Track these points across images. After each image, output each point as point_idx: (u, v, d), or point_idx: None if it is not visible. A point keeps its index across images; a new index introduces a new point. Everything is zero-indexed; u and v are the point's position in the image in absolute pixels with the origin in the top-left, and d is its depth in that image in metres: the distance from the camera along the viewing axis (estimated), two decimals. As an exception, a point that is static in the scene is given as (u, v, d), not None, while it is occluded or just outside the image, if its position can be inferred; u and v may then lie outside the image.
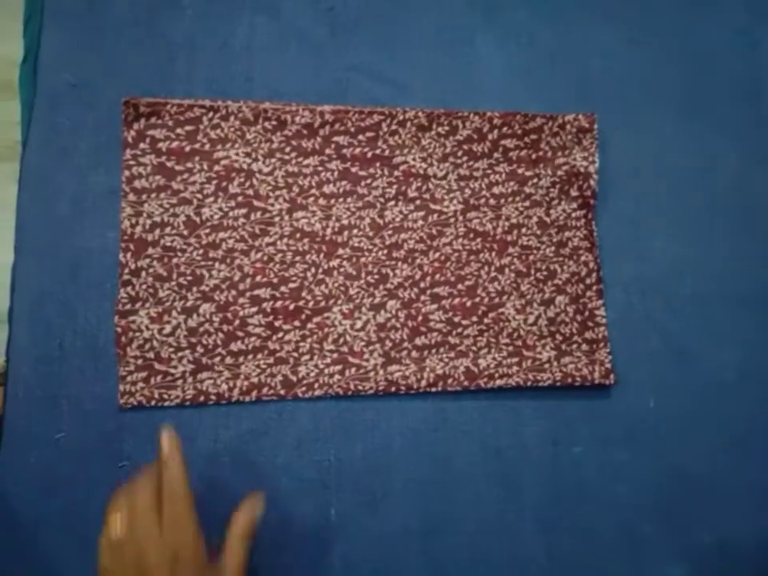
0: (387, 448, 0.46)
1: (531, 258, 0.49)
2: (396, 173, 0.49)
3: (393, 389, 0.46)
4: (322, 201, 0.47)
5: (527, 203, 0.50)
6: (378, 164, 0.48)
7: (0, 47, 1.10)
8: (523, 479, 0.46)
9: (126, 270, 0.44)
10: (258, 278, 0.46)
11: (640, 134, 0.53)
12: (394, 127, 0.49)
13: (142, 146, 0.46)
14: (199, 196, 0.46)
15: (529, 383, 0.47)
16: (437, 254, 0.48)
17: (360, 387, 0.45)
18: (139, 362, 0.44)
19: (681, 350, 0.50)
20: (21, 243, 0.45)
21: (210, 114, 0.46)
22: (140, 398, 0.43)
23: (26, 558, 0.42)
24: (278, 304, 0.46)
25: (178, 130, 0.46)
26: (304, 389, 0.45)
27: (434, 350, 0.47)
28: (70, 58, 0.47)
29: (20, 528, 0.42)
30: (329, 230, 0.47)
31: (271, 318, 0.45)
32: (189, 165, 0.46)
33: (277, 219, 0.47)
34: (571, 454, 0.47)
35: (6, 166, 1.09)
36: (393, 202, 0.48)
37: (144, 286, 0.44)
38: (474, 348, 0.47)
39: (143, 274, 0.44)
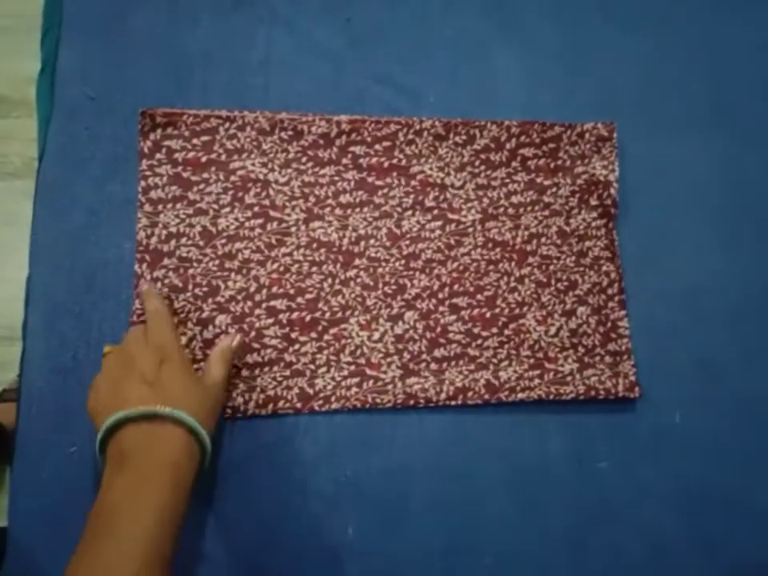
0: (406, 463, 0.44)
1: (551, 268, 0.48)
2: (413, 182, 0.48)
3: (411, 402, 0.45)
4: (338, 211, 0.47)
5: (546, 212, 0.49)
6: (394, 174, 0.48)
7: (14, 64, 1.12)
8: (546, 496, 0.45)
9: (142, 281, 0.44)
10: (275, 289, 0.45)
11: (662, 143, 0.52)
12: (410, 137, 0.48)
13: (158, 156, 0.45)
14: (215, 206, 0.45)
15: (551, 396, 0.46)
16: (455, 264, 0.47)
17: (378, 400, 0.44)
18: (154, 374, 0.43)
19: (707, 363, 0.49)
20: (36, 254, 0.45)
21: (227, 125, 0.46)
22: (154, 411, 0.42)
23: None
24: (295, 315, 0.45)
25: (195, 141, 0.46)
26: (321, 402, 0.44)
27: (453, 362, 0.46)
28: (87, 69, 0.48)
29: (32, 543, 0.41)
30: (345, 240, 0.47)
31: (287, 329, 0.45)
32: (205, 175, 0.46)
33: (293, 229, 0.46)
34: (595, 471, 0.46)
35: (21, 183, 1.11)
36: (410, 212, 0.48)
37: (159, 297, 0.44)
38: (494, 360, 0.46)
39: (159, 284, 0.44)
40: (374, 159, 0.48)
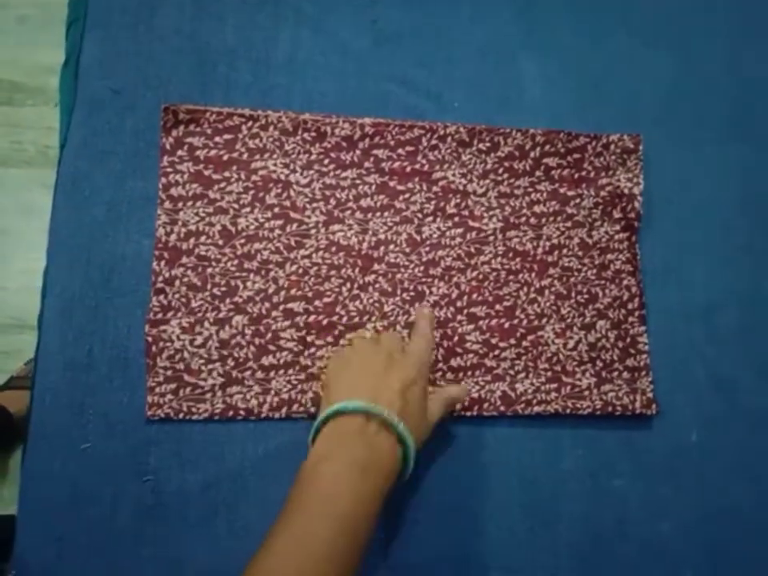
0: (417, 472, 0.44)
1: (572, 280, 0.48)
2: (435, 188, 0.47)
3: (426, 411, 0.44)
4: (358, 214, 0.46)
5: (569, 223, 0.48)
6: (416, 179, 0.47)
7: (31, 53, 1.13)
8: (559, 512, 0.44)
9: (160, 279, 0.43)
10: (293, 291, 0.45)
11: (687, 157, 0.51)
12: (434, 142, 0.48)
13: (179, 153, 0.45)
14: (236, 206, 0.45)
15: (568, 411, 0.45)
16: (474, 273, 0.47)
17: (392, 408, 0.44)
18: (169, 372, 0.42)
19: (725, 381, 0.48)
20: (54, 247, 0.45)
21: (250, 123, 0.46)
22: (168, 411, 0.42)
23: (46, 572, 0.40)
24: (312, 318, 0.44)
25: (217, 139, 0.45)
26: (335, 407, 0.43)
27: (469, 372, 0.45)
28: (111, 63, 0.47)
29: (43, 538, 0.41)
30: (365, 245, 0.46)
31: (304, 332, 0.44)
32: (226, 174, 0.45)
33: (313, 232, 0.46)
34: (611, 488, 0.45)
35: (36, 172, 1.11)
36: (431, 218, 0.47)
37: (177, 296, 0.43)
38: (511, 372, 0.46)
39: (177, 282, 0.43)
40: (397, 163, 0.47)
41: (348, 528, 0.33)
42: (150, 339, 0.43)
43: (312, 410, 0.43)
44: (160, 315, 0.43)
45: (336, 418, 0.36)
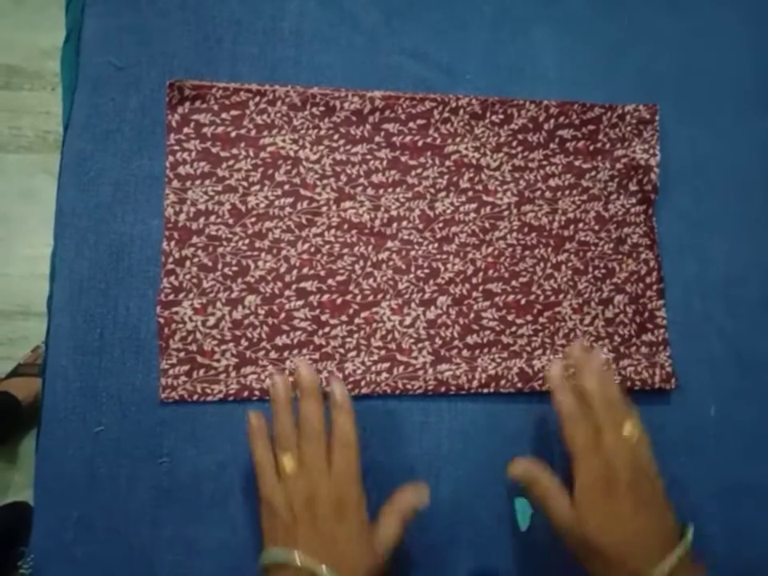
0: (436, 450, 0.43)
1: (589, 254, 0.47)
2: (447, 162, 0.46)
3: (442, 389, 0.44)
4: (370, 191, 0.45)
5: (584, 197, 0.47)
6: (428, 153, 0.46)
7: (29, 37, 1.11)
8: (578, 487, 0.44)
9: (170, 260, 0.43)
10: (305, 270, 0.44)
11: (705, 127, 0.50)
12: (446, 115, 0.46)
13: (186, 130, 0.44)
14: (245, 184, 0.44)
15: (585, 386, 0.44)
16: (490, 249, 0.46)
17: (408, 386, 0.43)
18: (181, 354, 0.42)
19: (744, 355, 0.48)
20: (61, 229, 0.44)
21: (257, 99, 0.45)
22: (182, 393, 0.41)
23: (64, 555, 0.40)
24: (325, 297, 0.44)
25: (224, 115, 0.44)
26: (350, 386, 0.43)
27: (486, 350, 0.45)
28: (113, 38, 0.46)
29: (59, 522, 0.40)
30: (377, 222, 0.45)
31: (317, 311, 0.44)
32: (234, 151, 0.44)
33: (324, 209, 0.45)
34: (630, 463, 0.44)
35: (36, 157, 1.09)
36: (444, 193, 0.46)
37: (188, 276, 0.42)
38: (528, 348, 0.45)
39: (187, 263, 0.43)
40: (408, 137, 0.46)
41: None
42: (161, 321, 0.42)
43: (327, 389, 0.43)
44: (171, 296, 0.42)
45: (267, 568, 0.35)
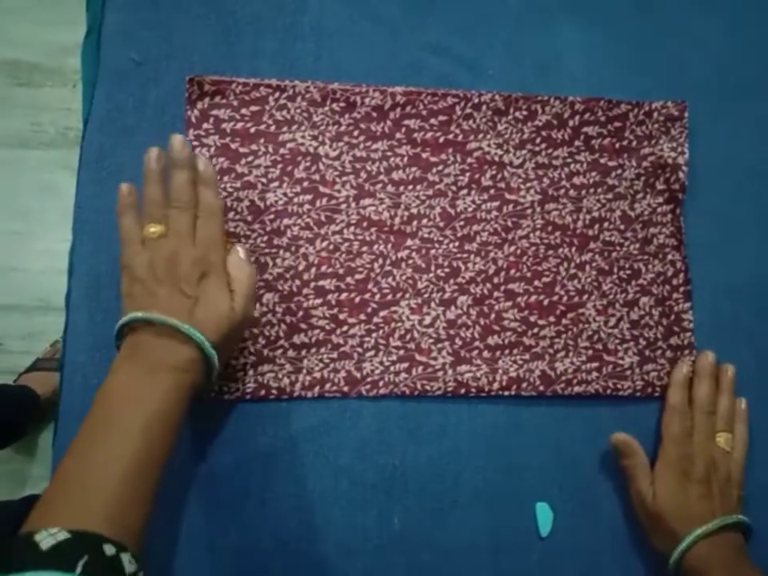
0: (455, 454, 0.43)
1: (614, 255, 0.46)
2: (469, 159, 0.45)
3: (462, 390, 0.43)
4: (390, 188, 0.45)
5: (610, 195, 0.46)
6: (450, 150, 0.45)
7: (49, 34, 1.11)
8: (600, 494, 0.43)
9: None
10: (324, 268, 0.43)
11: (734, 126, 0.49)
12: (468, 111, 0.46)
13: (205, 126, 0.44)
14: (264, 180, 0.43)
15: (608, 392, 0.44)
16: (512, 248, 0.45)
17: (427, 387, 0.43)
18: (199, 352, 0.41)
19: (772, 359, 0.46)
20: (79, 225, 0.44)
21: (277, 94, 0.44)
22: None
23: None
24: (344, 296, 0.43)
25: (243, 111, 0.44)
26: (368, 386, 0.42)
27: (507, 351, 0.44)
28: (134, 34, 0.45)
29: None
30: (397, 219, 0.44)
31: (336, 310, 0.43)
32: (254, 147, 0.44)
33: (343, 206, 0.44)
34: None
35: (56, 153, 1.10)
36: (465, 191, 0.45)
37: (206, 273, 0.42)
38: (550, 350, 0.44)
39: (205, 260, 0.42)
40: (429, 134, 0.45)
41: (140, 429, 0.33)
42: (179, 318, 0.42)
43: (345, 389, 0.42)
44: None
45: (126, 330, 0.36)
